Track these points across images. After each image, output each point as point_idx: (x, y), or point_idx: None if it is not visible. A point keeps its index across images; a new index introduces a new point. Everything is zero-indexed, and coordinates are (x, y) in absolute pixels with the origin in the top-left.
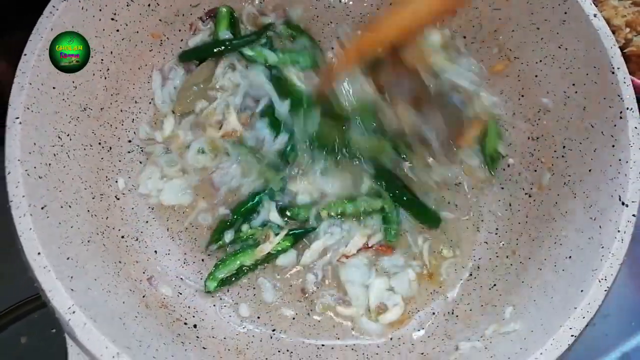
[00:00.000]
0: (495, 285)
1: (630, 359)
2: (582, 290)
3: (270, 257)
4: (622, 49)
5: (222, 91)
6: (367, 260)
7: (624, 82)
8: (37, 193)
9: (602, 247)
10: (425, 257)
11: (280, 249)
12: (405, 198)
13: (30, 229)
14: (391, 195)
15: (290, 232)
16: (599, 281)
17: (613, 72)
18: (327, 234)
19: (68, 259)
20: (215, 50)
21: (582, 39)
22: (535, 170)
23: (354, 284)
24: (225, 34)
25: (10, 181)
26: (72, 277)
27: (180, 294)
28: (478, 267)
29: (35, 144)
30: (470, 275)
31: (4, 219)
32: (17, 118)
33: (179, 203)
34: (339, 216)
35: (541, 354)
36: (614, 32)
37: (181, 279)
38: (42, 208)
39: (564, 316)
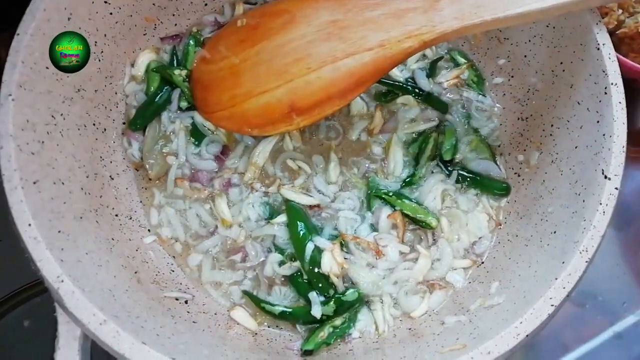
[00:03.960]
0: (483, 263)
1: (623, 339)
2: (563, 262)
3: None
4: (614, 30)
5: (174, 136)
6: None
7: (609, 58)
8: (29, 168)
9: (585, 220)
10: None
11: None
12: (468, 178)
13: (22, 201)
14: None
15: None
16: (580, 253)
17: (598, 49)
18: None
19: (59, 232)
20: (154, 109)
21: (568, 16)
22: (525, 150)
23: None
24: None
25: (3, 155)
26: (62, 249)
27: (173, 271)
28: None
29: (28, 121)
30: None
31: (5, 207)
32: (10, 95)
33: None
34: None
35: (521, 322)
36: (606, 14)
37: (174, 257)
38: (34, 183)
39: (545, 287)
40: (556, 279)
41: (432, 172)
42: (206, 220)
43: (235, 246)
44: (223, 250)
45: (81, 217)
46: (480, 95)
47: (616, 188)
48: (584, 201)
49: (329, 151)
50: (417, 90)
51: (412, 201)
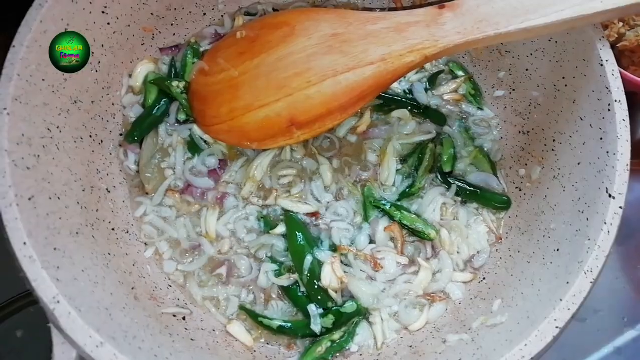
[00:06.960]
0: (484, 279)
1: (622, 354)
2: (567, 282)
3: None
4: (615, 43)
5: (172, 150)
6: None
7: (613, 75)
8: (24, 184)
9: (589, 240)
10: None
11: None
12: (468, 191)
13: (17, 218)
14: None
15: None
16: (585, 273)
17: (602, 65)
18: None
19: (55, 249)
20: (152, 121)
21: (571, 31)
22: (526, 165)
23: None
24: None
25: None
26: (58, 268)
27: (170, 286)
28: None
29: (23, 135)
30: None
31: None
32: (5, 109)
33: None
34: None
35: (526, 345)
36: (607, 27)
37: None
38: (29, 199)
39: (549, 308)
40: (561, 300)
41: (432, 185)
42: (191, 235)
43: (219, 260)
44: (205, 270)
45: (77, 233)
46: (479, 110)
47: (620, 207)
48: (587, 219)
49: (316, 155)
50: (414, 104)
51: (411, 213)
